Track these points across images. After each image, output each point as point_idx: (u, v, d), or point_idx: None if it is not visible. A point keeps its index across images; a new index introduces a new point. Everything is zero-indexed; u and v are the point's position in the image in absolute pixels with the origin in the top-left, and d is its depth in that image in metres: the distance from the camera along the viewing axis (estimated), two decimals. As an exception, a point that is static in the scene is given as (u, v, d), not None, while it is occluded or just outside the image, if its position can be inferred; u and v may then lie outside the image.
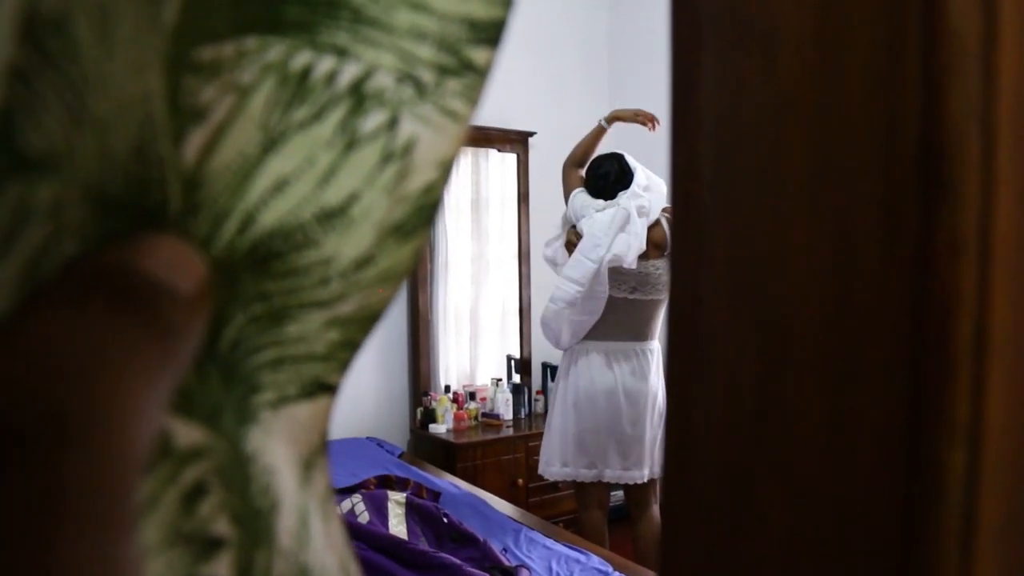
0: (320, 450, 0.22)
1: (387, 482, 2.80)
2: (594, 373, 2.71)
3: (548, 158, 4.40)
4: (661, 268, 2.64)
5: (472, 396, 4.25)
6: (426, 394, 4.18)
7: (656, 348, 2.75)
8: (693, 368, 0.24)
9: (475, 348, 4.40)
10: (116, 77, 0.15)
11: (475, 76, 0.20)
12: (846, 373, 0.20)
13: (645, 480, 2.72)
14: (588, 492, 2.81)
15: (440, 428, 4.03)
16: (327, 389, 0.21)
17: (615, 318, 2.70)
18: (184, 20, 0.17)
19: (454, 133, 0.20)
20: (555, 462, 2.80)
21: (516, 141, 4.31)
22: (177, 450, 0.17)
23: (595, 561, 2.29)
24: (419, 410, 4.16)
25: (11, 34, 0.13)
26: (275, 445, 0.20)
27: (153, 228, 0.17)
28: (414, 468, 3.18)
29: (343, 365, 0.21)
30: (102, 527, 0.13)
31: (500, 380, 4.34)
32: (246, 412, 0.19)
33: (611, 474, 2.71)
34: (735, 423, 0.22)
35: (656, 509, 2.77)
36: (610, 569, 2.25)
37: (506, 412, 4.19)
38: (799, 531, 0.21)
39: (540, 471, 2.94)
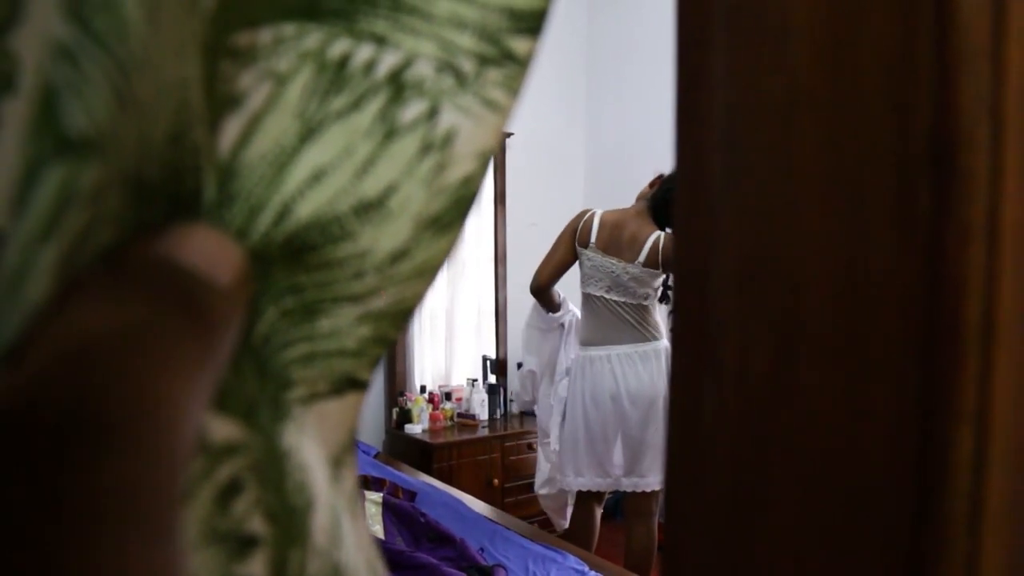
0: (348, 448, 0.21)
1: (363, 482, 2.78)
2: (596, 378, 2.68)
3: (525, 160, 4.41)
4: (631, 273, 2.63)
5: (448, 396, 4.25)
6: (401, 394, 4.17)
7: (664, 348, 2.68)
8: (701, 358, 0.24)
9: (451, 349, 4.40)
10: (158, 60, 0.14)
11: (516, 66, 0.19)
12: (857, 359, 0.20)
13: (659, 488, 2.66)
14: (588, 492, 2.79)
15: (416, 428, 4.02)
16: (357, 385, 0.20)
17: (603, 320, 2.68)
18: (223, 5, 0.16)
19: (494, 124, 0.19)
20: (568, 472, 2.75)
21: (493, 142, 4.30)
22: (212, 446, 0.17)
23: (572, 561, 2.29)
24: (395, 410, 4.14)
25: (57, 11, 0.13)
26: (307, 442, 0.19)
27: (188, 218, 0.16)
28: (389, 468, 3.16)
29: (373, 361, 0.20)
30: (147, 527, 0.13)
31: (476, 381, 4.34)
32: (280, 408, 0.19)
33: (627, 482, 2.67)
34: (745, 412, 0.23)
35: (656, 521, 2.73)
36: (586, 569, 2.25)
37: (482, 412, 4.20)
38: (809, 518, 0.21)
39: (545, 482, 2.91)
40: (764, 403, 0.22)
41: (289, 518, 0.18)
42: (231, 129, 0.17)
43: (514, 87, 0.20)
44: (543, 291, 2.76)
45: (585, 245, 2.68)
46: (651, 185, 2.71)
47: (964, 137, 0.18)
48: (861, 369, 0.20)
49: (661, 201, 2.61)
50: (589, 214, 2.72)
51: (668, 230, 2.64)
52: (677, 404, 0.25)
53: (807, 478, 0.22)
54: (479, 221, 4.39)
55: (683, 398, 0.25)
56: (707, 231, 0.24)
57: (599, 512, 2.84)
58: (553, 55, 4.50)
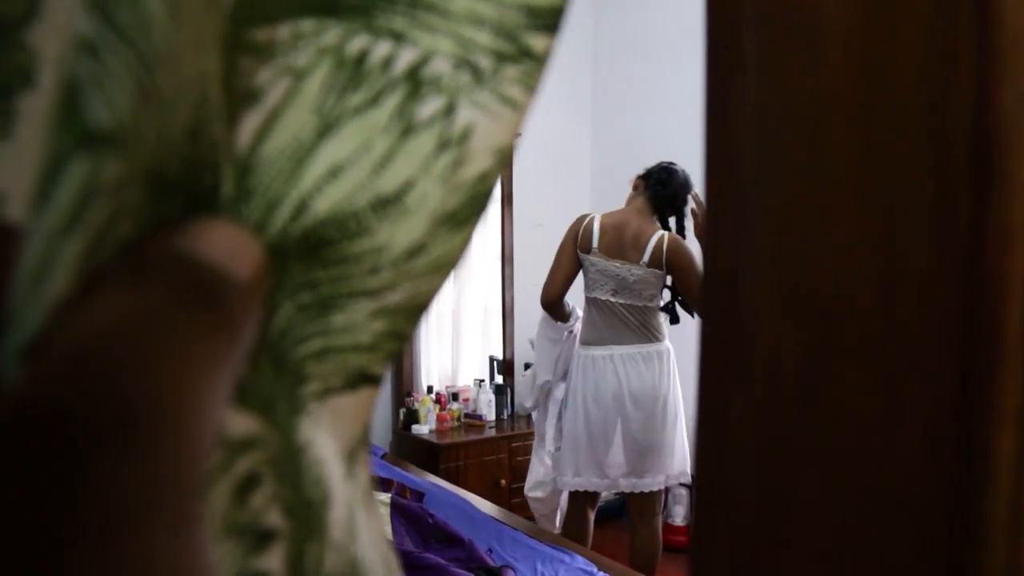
0: (362, 442, 0.21)
1: (370, 483, 2.77)
2: (599, 378, 2.68)
3: (532, 160, 4.41)
4: (637, 275, 2.62)
5: (455, 397, 4.25)
6: (408, 395, 4.17)
7: (666, 350, 2.69)
8: (730, 359, 0.24)
9: (457, 349, 4.40)
10: (179, 55, 0.14)
11: (533, 63, 0.19)
12: (894, 361, 0.20)
13: (659, 488, 2.68)
14: (581, 492, 2.79)
15: (423, 429, 4.02)
16: (370, 380, 0.20)
17: (607, 321, 2.68)
18: (242, 0, 0.17)
19: (511, 121, 0.20)
20: (567, 472, 2.75)
21: (500, 142, 4.31)
22: (230, 439, 0.17)
23: (580, 561, 2.29)
24: (402, 411, 4.14)
25: (80, 4, 0.13)
26: (323, 437, 0.19)
27: (206, 213, 0.16)
28: (397, 469, 3.17)
29: (388, 356, 0.20)
30: (173, 518, 0.13)
31: (483, 381, 4.34)
32: (296, 403, 0.19)
33: (626, 483, 2.66)
34: (776, 414, 0.22)
35: (659, 522, 2.73)
36: (595, 569, 2.25)
37: (489, 413, 4.19)
38: (840, 522, 0.21)
39: (537, 484, 2.91)
40: (795, 405, 0.22)
41: (306, 512, 0.18)
42: (249, 124, 0.17)
43: (531, 84, 0.20)
44: (554, 305, 2.76)
45: (587, 251, 2.67)
46: (635, 188, 2.72)
47: (1006, 136, 0.18)
48: (896, 371, 0.20)
49: (662, 197, 2.61)
50: (588, 219, 2.72)
51: (672, 228, 2.65)
52: (705, 405, 0.25)
53: (839, 481, 0.21)
54: (486, 220, 4.38)
55: (711, 399, 0.25)
56: (738, 232, 0.23)
57: (592, 515, 2.83)
58: (559, 56, 4.49)
